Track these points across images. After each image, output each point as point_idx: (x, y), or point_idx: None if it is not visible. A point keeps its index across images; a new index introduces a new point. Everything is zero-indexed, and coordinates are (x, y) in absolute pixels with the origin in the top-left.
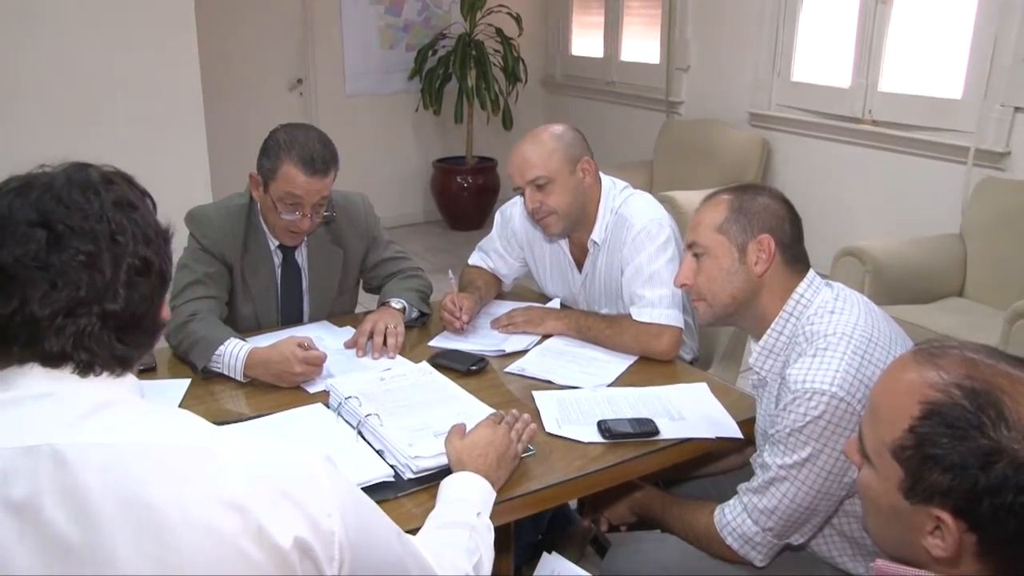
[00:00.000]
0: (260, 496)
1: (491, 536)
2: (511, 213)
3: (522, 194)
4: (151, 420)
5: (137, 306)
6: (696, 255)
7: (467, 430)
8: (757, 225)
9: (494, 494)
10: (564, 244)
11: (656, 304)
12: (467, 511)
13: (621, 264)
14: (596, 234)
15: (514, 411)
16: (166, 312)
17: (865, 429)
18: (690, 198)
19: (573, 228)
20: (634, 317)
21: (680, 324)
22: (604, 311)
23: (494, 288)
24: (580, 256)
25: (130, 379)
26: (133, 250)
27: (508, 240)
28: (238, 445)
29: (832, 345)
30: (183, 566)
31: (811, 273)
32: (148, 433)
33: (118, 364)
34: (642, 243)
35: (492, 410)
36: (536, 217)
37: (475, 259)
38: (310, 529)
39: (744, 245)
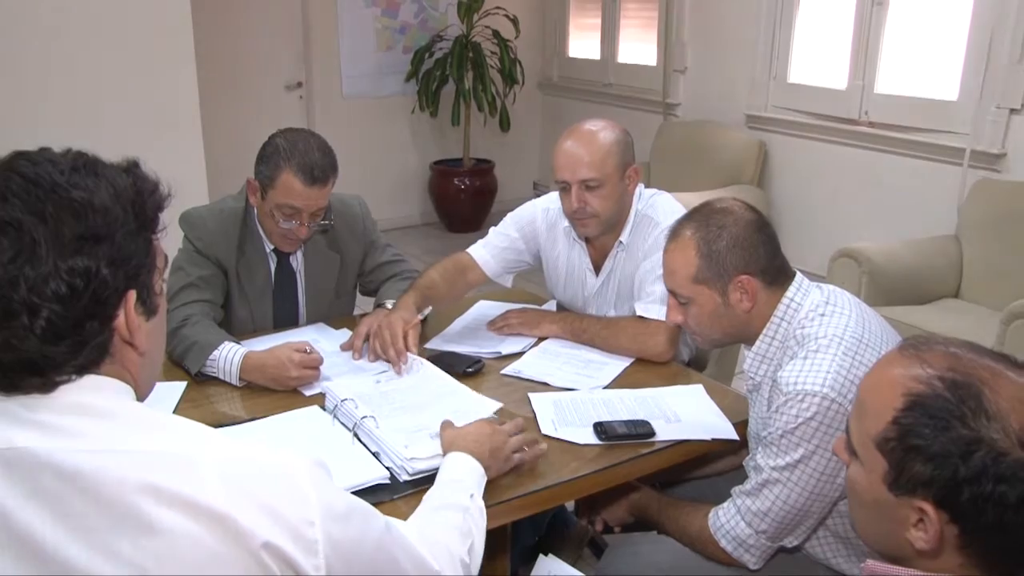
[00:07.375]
0: (238, 504)
1: (483, 520)
2: (539, 208)
3: (564, 189)
4: (130, 426)
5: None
6: (680, 303)
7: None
8: (732, 267)
9: (485, 477)
10: (584, 248)
11: (661, 300)
12: (461, 492)
13: (640, 261)
14: (624, 235)
15: (519, 419)
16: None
17: (852, 424)
18: (687, 200)
19: (605, 232)
20: (638, 312)
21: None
22: (612, 315)
23: (457, 290)
24: (598, 260)
25: (115, 384)
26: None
27: (526, 233)
28: (218, 452)
29: (823, 347)
30: (160, 571)
31: (799, 277)
32: (126, 439)
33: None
34: (664, 241)
35: (490, 400)
36: (576, 216)
37: (474, 250)
38: (290, 538)
39: (724, 288)
